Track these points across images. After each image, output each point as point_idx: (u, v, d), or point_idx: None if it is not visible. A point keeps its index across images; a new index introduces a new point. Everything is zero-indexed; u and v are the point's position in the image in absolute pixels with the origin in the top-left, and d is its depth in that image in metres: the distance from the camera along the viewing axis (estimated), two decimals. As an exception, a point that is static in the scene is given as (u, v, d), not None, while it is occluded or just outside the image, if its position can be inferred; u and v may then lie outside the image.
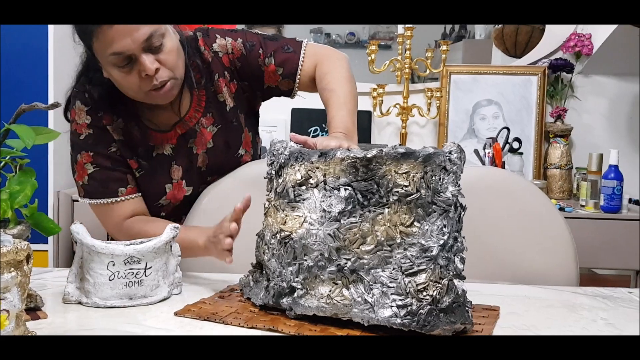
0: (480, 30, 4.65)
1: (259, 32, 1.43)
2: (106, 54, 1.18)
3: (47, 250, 2.33)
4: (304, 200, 0.97)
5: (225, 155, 1.40)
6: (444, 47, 2.78)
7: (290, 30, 5.73)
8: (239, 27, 2.52)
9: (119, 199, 1.31)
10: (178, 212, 1.40)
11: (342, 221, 0.92)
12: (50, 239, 2.32)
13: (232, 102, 1.39)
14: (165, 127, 1.36)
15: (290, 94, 1.42)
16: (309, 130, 2.79)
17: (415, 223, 0.89)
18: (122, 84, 1.24)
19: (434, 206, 0.90)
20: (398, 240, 0.89)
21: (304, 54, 1.39)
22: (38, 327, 0.90)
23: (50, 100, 2.30)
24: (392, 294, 0.88)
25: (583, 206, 2.44)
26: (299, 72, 1.38)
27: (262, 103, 1.49)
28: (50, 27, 2.32)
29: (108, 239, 1.47)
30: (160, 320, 0.96)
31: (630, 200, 2.50)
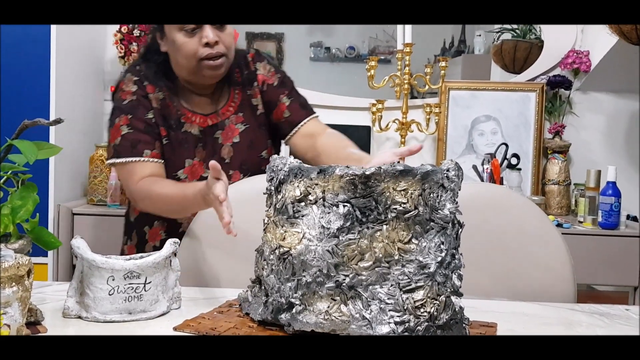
0: (479, 46, 4.67)
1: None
2: None
3: (46, 264, 2.33)
4: (302, 216, 0.97)
5: (248, 152, 1.52)
6: (442, 64, 2.80)
7: (291, 44, 5.75)
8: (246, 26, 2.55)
9: (142, 159, 1.43)
10: None
11: (340, 237, 0.93)
12: (50, 252, 2.32)
13: (263, 109, 1.56)
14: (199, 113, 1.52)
15: (284, 137, 1.58)
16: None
17: (413, 240, 0.90)
18: (180, 48, 1.41)
19: (431, 223, 0.91)
20: (396, 257, 0.90)
21: (312, 117, 1.56)
22: (38, 342, 0.90)
23: (52, 116, 2.31)
24: (389, 310, 0.88)
25: (581, 222, 2.45)
26: (300, 126, 1.54)
27: None
28: (53, 40, 2.33)
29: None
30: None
31: (628, 217, 2.51)
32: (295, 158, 1.02)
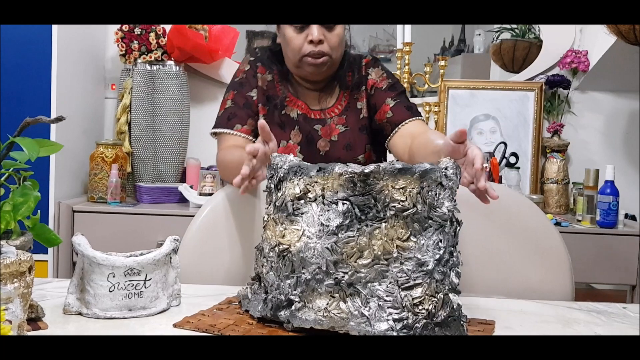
0: (478, 45, 4.68)
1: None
2: None
3: (46, 261, 2.34)
4: (302, 214, 0.98)
5: (344, 152, 1.55)
6: (442, 63, 2.80)
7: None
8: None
9: (231, 131, 1.51)
10: None
11: (339, 235, 0.93)
12: (50, 249, 2.33)
13: (367, 113, 1.59)
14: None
15: (386, 139, 1.57)
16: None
17: (412, 237, 0.91)
18: (289, 42, 1.50)
19: (430, 221, 0.91)
20: (394, 255, 0.90)
21: (415, 119, 1.53)
22: (39, 338, 0.90)
23: (53, 114, 2.31)
24: (388, 307, 0.89)
25: (579, 221, 2.46)
26: (400, 126, 1.53)
27: None
28: (54, 38, 2.34)
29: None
30: (158, 332, 0.97)
31: (626, 216, 2.52)
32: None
